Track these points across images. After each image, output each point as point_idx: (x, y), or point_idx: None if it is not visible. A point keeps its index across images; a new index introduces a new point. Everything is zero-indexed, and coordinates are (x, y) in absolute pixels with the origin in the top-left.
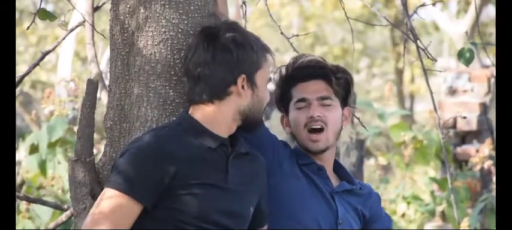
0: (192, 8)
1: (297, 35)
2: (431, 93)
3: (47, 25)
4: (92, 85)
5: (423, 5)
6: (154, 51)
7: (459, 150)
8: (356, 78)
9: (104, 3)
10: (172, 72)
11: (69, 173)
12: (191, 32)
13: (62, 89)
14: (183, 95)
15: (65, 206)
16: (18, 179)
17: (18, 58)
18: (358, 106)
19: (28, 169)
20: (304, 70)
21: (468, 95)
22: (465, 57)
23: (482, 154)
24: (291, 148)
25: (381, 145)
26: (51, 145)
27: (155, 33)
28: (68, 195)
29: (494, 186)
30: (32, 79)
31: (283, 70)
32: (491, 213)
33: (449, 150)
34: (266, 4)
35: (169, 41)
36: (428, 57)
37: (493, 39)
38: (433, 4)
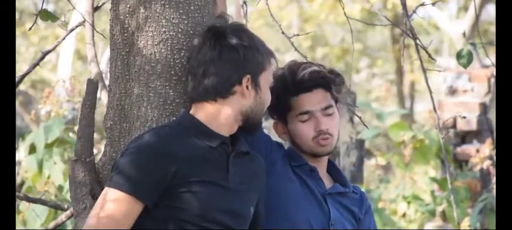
0: (192, 8)
1: (298, 35)
2: (430, 92)
3: (48, 25)
4: (92, 85)
5: (422, 4)
6: (154, 51)
7: (459, 150)
8: (356, 78)
9: (104, 3)
10: (172, 72)
11: (69, 173)
12: (191, 32)
13: (61, 89)
14: (183, 95)
15: (65, 206)
16: (18, 180)
17: (19, 58)
18: (357, 107)
19: (27, 169)
20: (305, 83)
21: (468, 95)
22: (464, 59)
23: (482, 154)
24: (284, 149)
25: (380, 145)
26: (48, 146)
27: (155, 33)
28: (63, 196)
29: (494, 186)
30: (32, 79)
31: (280, 76)
32: (491, 213)
33: (449, 149)
34: (267, 3)
35: (169, 41)
36: (428, 56)
37: (493, 38)
38: (433, 4)
